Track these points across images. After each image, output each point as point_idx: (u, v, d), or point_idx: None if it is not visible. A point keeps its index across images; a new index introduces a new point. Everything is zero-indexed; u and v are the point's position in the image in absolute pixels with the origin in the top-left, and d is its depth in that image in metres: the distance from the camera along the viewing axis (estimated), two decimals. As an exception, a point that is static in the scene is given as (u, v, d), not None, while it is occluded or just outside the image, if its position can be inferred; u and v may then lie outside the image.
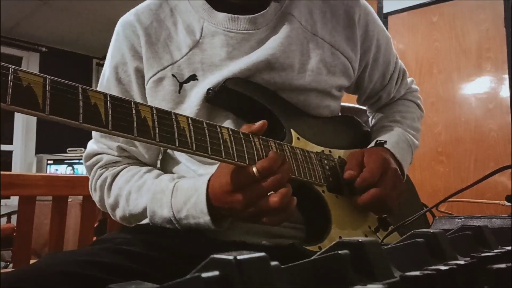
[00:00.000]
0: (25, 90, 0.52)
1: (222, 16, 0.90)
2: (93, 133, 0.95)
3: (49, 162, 4.82)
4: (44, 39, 5.13)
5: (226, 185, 0.72)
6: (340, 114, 1.06)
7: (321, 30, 0.95)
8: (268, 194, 0.70)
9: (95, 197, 0.94)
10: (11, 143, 5.12)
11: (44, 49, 5.22)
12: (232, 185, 0.71)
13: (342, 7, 0.98)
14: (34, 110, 0.52)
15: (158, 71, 0.88)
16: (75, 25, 4.76)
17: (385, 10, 3.26)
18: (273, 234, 0.86)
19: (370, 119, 1.20)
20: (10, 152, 5.10)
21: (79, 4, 4.24)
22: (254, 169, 0.69)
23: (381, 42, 1.04)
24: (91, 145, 0.95)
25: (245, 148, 0.71)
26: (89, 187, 0.95)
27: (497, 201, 2.12)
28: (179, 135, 0.64)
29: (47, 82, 0.54)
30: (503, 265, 0.31)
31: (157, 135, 0.61)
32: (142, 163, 0.94)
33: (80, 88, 0.56)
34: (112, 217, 0.92)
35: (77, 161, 4.77)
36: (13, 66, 0.52)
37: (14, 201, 3.67)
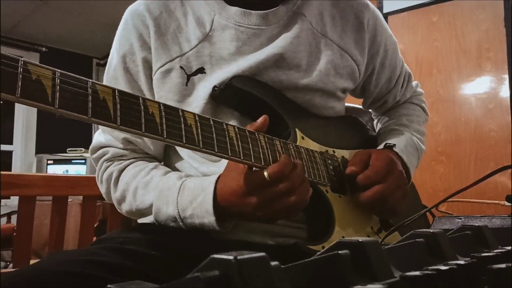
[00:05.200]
0: (35, 83, 0.51)
1: (234, 10, 0.90)
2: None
3: (49, 162, 4.81)
4: (44, 39, 5.13)
5: (238, 189, 0.72)
6: (344, 115, 1.06)
7: (330, 32, 0.95)
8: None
9: (102, 189, 0.94)
10: (11, 143, 5.12)
11: (44, 49, 5.22)
12: (245, 188, 0.71)
13: (351, 10, 0.98)
14: (43, 104, 0.52)
15: (166, 62, 0.88)
16: (75, 25, 4.75)
17: (385, 10, 3.26)
18: (276, 233, 0.86)
19: (375, 122, 1.20)
20: (10, 152, 5.09)
21: (79, 4, 4.24)
22: (266, 174, 0.69)
23: (389, 47, 1.04)
24: (98, 137, 0.95)
25: (251, 146, 0.71)
26: (96, 178, 0.95)
27: (497, 201, 2.12)
28: (186, 132, 0.64)
29: (57, 76, 0.53)
30: (503, 265, 0.31)
31: (164, 131, 0.61)
32: (148, 157, 0.94)
33: (89, 82, 0.56)
34: (118, 210, 0.92)
35: (78, 161, 4.76)
36: (23, 59, 0.51)
37: (14, 201, 3.66)
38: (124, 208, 0.89)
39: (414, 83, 1.17)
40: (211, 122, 0.68)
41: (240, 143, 0.70)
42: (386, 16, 3.24)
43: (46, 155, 4.84)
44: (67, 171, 4.71)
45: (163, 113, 0.62)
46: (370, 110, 1.21)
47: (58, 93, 0.52)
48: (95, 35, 4.96)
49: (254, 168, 0.72)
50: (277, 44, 0.89)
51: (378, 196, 0.84)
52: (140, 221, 0.91)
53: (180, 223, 0.79)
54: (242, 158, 0.69)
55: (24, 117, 5.06)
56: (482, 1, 2.90)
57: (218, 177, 0.77)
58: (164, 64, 0.88)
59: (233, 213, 0.75)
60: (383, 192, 0.84)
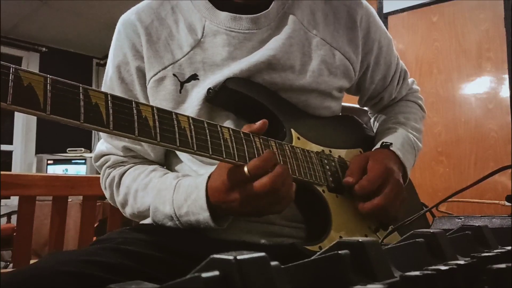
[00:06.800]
0: (26, 90, 0.52)
1: (224, 15, 0.90)
2: (102, 133, 0.96)
3: (49, 162, 4.81)
4: (44, 39, 5.13)
5: (222, 184, 0.73)
6: (340, 114, 1.06)
7: (323, 31, 0.95)
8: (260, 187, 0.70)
9: (107, 194, 0.96)
10: (11, 143, 5.12)
11: (44, 49, 5.22)
12: (228, 184, 0.72)
13: (344, 8, 0.98)
14: (35, 110, 0.52)
15: (160, 71, 0.88)
16: (75, 25, 4.75)
17: (385, 10, 3.26)
18: (273, 233, 0.86)
19: (372, 120, 1.20)
20: (10, 152, 5.09)
21: (79, 4, 4.24)
22: (245, 169, 0.69)
23: (383, 44, 1.04)
24: (100, 146, 0.97)
25: (245, 148, 0.71)
26: (101, 185, 0.97)
27: (497, 201, 2.12)
28: (180, 135, 0.64)
29: (48, 82, 0.54)
30: (503, 265, 0.31)
31: (158, 135, 0.61)
32: (148, 162, 0.95)
33: (81, 88, 0.56)
34: (123, 214, 0.93)
35: (78, 161, 4.76)
36: (13, 66, 0.52)
37: (14, 201, 3.67)
38: (127, 211, 0.90)
39: (410, 80, 1.17)
40: (205, 125, 0.68)
41: (234, 145, 0.70)
42: (386, 16, 3.24)
43: (46, 155, 4.84)
44: (66, 170, 4.71)
45: (156, 117, 0.62)
46: (366, 108, 1.21)
47: (49, 99, 0.53)
48: (95, 35, 4.96)
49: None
50: (268, 46, 0.89)
51: (377, 208, 0.85)
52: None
53: (177, 222, 0.79)
54: (237, 160, 0.69)
55: (24, 117, 5.05)
56: (482, 1, 2.90)
57: (210, 174, 0.77)
58: (157, 73, 0.88)
59: (223, 210, 0.76)
60: (382, 204, 0.85)
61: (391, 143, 0.95)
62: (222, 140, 0.69)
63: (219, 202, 0.74)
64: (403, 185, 0.93)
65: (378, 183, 0.85)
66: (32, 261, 1.32)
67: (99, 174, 0.98)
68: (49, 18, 4.60)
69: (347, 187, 0.87)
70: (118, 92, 0.91)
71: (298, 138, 0.87)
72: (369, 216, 0.88)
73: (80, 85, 0.57)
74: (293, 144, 0.85)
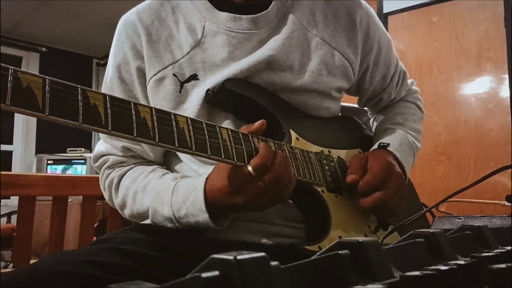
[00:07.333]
0: (25, 91, 0.52)
1: (224, 15, 0.90)
2: (101, 133, 0.96)
3: (49, 162, 4.81)
4: (44, 39, 5.13)
5: (225, 188, 0.73)
6: (340, 115, 1.06)
7: (322, 32, 0.95)
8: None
9: (105, 195, 0.96)
10: (11, 143, 5.12)
11: (44, 49, 5.22)
12: (231, 187, 0.72)
13: (344, 9, 0.98)
14: (34, 111, 0.52)
15: (159, 71, 0.88)
16: (75, 25, 4.76)
17: (385, 10, 3.26)
18: (273, 233, 0.86)
19: (371, 121, 1.20)
20: (10, 152, 5.09)
21: (79, 4, 4.24)
22: (250, 168, 0.70)
23: (382, 44, 1.04)
24: (99, 146, 0.97)
25: (244, 148, 0.71)
26: (100, 185, 0.97)
27: (497, 201, 2.12)
28: (179, 135, 0.64)
29: (47, 83, 0.54)
30: (503, 265, 0.31)
31: (156, 135, 0.61)
32: (148, 162, 0.95)
33: (79, 89, 0.56)
34: (122, 215, 0.93)
35: (78, 161, 4.76)
36: (12, 67, 0.52)
37: (14, 201, 3.67)
38: (126, 212, 0.90)
39: (409, 81, 1.17)
40: (204, 125, 0.68)
41: (233, 145, 0.70)
42: (386, 16, 3.24)
43: (46, 155, 4.85)
44: (66, 170, 4.71)
45: (155, 117, 0.62)
46: (365, 108, 1.21)
47: (48, 100, 0.53)
48: (95, 35, 4.95)
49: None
50: (268, 46, 0.89)
51: (379, 202, 0.85)
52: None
53: (176, 224, 0.79)
54: (236, 160, 0.70)
55: (24, 117, 5.04)
56: (482, 1, 2.90)
57: (208, 176, 0.77)
58: (157, 73, 0.88)
59: (225, 210, 0.76)
60: (383, 198, 0.85)
61: (388, 144, 0.95)
62: (220, 140, 0.69)
63: (221, 204, 0.74)
64: (405, 179, 0.93)
65: (382, 178, 0.86)
66: (32, 261, 1.32)
67: (99, 174, 0.98)
68: (49, 18, 4.60)
69: (349, 186, 0.87)
70: (118, 92, 0.91)
71: (297, 139, 0.87)
72: (370, 211, 0.87)
73: (79, 86, 0.57)
74: (292, 145, 0.85)
